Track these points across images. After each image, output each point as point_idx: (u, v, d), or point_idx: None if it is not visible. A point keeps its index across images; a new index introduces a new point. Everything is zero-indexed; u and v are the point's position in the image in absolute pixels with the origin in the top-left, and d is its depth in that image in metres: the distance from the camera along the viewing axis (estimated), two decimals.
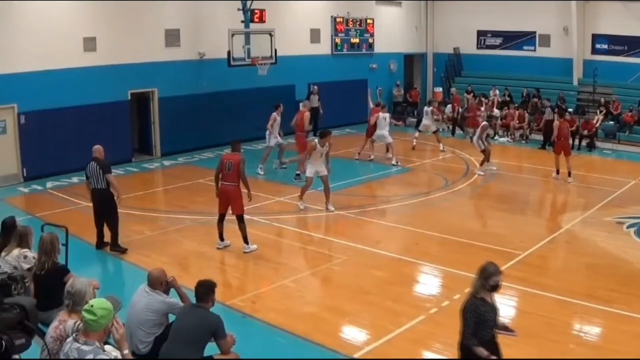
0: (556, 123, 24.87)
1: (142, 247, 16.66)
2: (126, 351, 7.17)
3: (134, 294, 9.76)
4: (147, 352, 9.35)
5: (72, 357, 6.64)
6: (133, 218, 18.84)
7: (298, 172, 23.74)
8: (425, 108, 31.00)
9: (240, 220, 16.21)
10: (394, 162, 26.87)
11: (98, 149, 16.27)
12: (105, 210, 16.28)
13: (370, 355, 11.04)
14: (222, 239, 16.63)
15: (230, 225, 16.71)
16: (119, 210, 16.62)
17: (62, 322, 7.51)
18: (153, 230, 18.23)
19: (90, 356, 6.56)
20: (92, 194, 16.33)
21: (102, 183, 16.01)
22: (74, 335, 6.86)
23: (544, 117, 30.59)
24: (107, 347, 6.79)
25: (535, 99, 34.94)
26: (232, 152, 16.55)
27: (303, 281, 14.74)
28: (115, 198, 16.25)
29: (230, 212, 16.37)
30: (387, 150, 27.80)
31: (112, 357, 6.70)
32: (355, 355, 11.01)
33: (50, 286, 9.80)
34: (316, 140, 20.49)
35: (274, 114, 25.46)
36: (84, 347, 6.61)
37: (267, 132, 25.66)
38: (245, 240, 16.27)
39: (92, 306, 6.68)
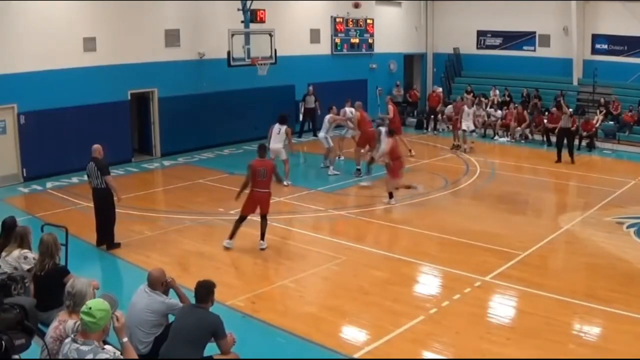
0: (389, 141, 21.36)
1: (142, 247, 16.65)
2: (125, 339, 7.21)
3: (134, 294, 9.77)
4: (147, 352, 9.35)
5: (71, 358, 6.65)
6: (133, 218, 18.84)
7: (358, 167, 24.68)
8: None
9: (265, 217, 16.55)
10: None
11: (97, 149, 16.31)
12: (104, 209, 16.35)
13: (370, 356, 11.04)
14: (232, 237, 16.67)
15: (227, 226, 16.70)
16: (118, 210, 16.68)
17: (62, 322, 7.52)
18: (153, 230, 18.22)
19: (90, 356, 6.58)
20: (92, 193, 16.45)
21: (101, 183, 16.13)
22: (72, 336, 6.88)
23: (560, 125, 29.76)
24: (107, 346, 6.79)
25: (536, 100, 34.93)
26: (262, 159, 16.58)
27: (303, 281, 14.74)
28: (115, 199, 16.31)
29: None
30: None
31: (112, 357, 6.72)
32: (355, 356, 11.01)
33: (51, 287, 9.80)
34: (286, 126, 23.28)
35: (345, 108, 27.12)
36: (83, 347, 6.64)
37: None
38: (263, 237, 16.50)
39: (90, 308, 6.71)
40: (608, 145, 30.97)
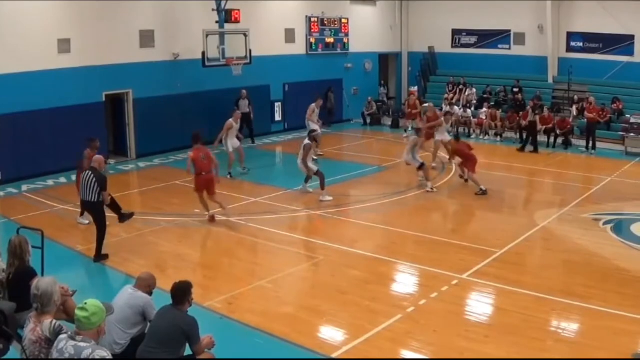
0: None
1: (119, 249, 16.51)
2: None
3: (118, 294, 9.75)
4: (120, 352, 9.29)
5: (67, 354, 6.71)
6: (109, 221, 18.63)
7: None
8: None
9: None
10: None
11: (99, 160, 15.83)
12: (94, 220, 16.00)
13: (348, 355, 11.01)
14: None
15: (209, 227, 16.61)
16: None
17: (38, 324, 7.46)
18: (129, 232, 18.07)
19: (89, 351, 6.65)
20: (82, 205, 16.01)
21: (93, 196, 15.50)
22: (69, 333, 6.95)
23: (529, 118, 30.54)
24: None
25: (518, 95, 35.01)
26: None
27: (280, 282, 14.69)
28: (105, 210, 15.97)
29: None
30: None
31: (109, 356, 6.79)
32: (334, 355, 10.97)
33: (18, 288, 9.71)
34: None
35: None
36: (82, 344, 6.72)
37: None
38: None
39: (85, 303, 6.86)
40: (584, 143, 30.94)
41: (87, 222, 17.92)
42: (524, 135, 30.89)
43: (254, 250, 17.00)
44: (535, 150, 29.81)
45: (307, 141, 21.81)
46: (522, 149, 30.16)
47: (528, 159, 28.00)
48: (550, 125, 31.08)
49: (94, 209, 15.83)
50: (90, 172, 15.56)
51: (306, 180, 22.24)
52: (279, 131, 31.83)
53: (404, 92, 42.21)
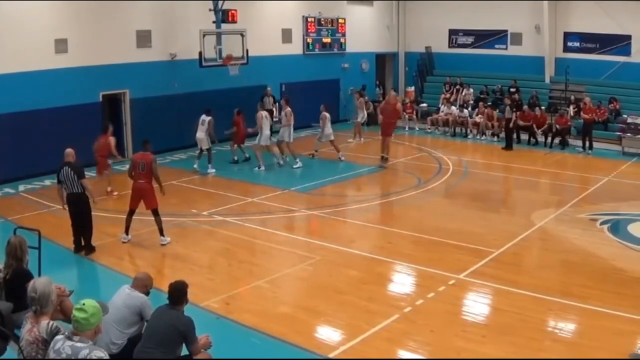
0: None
1: (116, 249, 16.53)
2: None
3: (116, 294, 9.77)
4: (117, 352, 9.28)
5: (64, 354, 6.70)
6: (106, 221, 18.69)
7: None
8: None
9: (155, 213, 16.96)
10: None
11: (70, 153, 16.15)
12: (81, 213, 16.09)
13: (345, 355, 10.99)
14: (127, 232, 17.22)
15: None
16: (93, 213, 16.49)
17: (35, 325, 7.44)
18: None
19: (86, 351, 6.65)
20: (68, 198, 16.11)
21: (77, 187, 15.81)
22: (66, 333, 6.95)
23: (505, 116, 30.86)
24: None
25: (516, 95, 34.96)
26: (143, 152, 17.21)
27: (277, 282, 14.67)
28: (90, 201, 16.13)
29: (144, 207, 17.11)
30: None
31: (107, 357, 6.78)
32: (331, 355, 10.96)
33: (15, 289, 9.68)
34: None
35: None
36: (79, 344, 6.71)
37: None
38: (161, 232, 16.99)
39: (83, 304, 6.84)
40: (580, 143, 30.93)
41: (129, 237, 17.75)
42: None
43: (251, 250, 16.98)
44: (508, 147, 30.48)
45: (210, 117, 24.96)
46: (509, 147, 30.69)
47: (525, 159, 27.99)
48: (546, 125, 31.13)
49: (80, 200, 16.00)
50: (68, 167, 15.90)
51: (199, 157, 25.65)
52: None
53: (401, 92, 42.12)
